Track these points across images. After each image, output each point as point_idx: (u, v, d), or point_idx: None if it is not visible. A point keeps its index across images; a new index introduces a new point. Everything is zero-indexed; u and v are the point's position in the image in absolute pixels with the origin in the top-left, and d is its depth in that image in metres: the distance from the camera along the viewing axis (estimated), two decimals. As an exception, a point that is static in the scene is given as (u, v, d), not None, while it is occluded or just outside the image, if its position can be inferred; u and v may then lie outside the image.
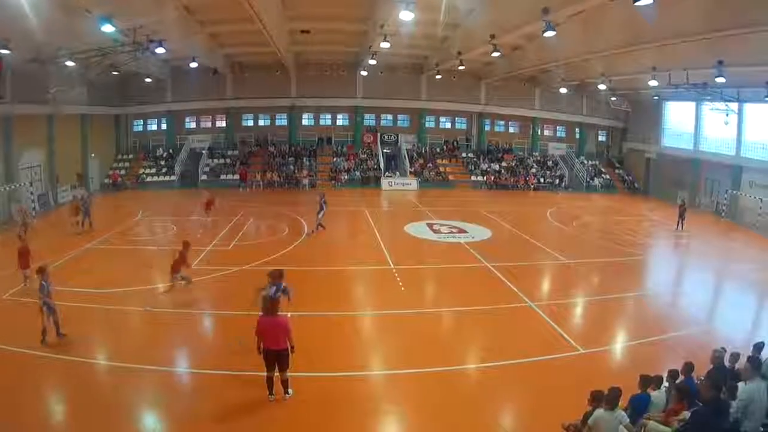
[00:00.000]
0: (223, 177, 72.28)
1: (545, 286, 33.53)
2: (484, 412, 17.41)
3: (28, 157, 52.35)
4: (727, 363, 16.06)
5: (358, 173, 75.83)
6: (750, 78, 50.07)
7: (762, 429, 12.46)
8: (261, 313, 17.51)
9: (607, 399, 13.36)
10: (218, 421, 16.45)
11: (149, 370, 19.40)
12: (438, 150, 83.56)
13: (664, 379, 15.63)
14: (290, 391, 17.72)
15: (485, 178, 78.41)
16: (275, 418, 16.67)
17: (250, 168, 72.77)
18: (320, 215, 42.61)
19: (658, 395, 15.09)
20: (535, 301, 28.09)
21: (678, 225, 51.10)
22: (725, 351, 16.29)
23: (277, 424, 16.48)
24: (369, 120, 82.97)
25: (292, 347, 17.39)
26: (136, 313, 25.30)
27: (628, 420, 13.18)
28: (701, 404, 13.09)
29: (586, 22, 43.11)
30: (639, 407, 14.60)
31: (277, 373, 17.45)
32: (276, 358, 17.31)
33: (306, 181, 70.99)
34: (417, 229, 45.82)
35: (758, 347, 16.56)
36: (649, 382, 15.27)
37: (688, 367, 15.55)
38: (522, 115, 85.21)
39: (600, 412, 13.36)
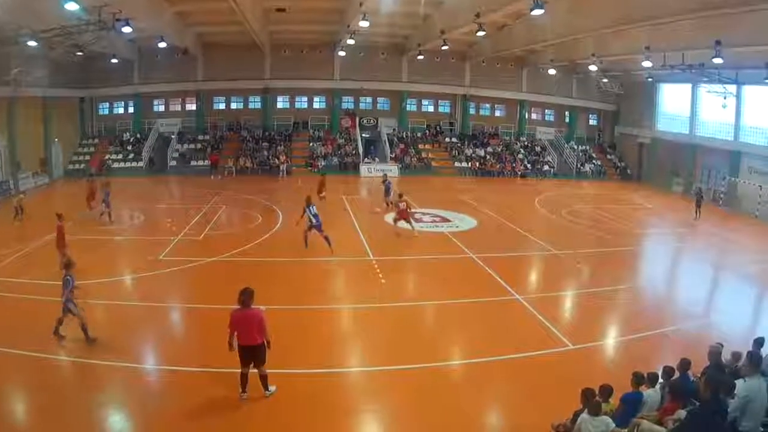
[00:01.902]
0: (193, 163, 72.04)
1: (533, 278, 33.58)
2: (469, 411, 17.34)
3: (-14, 142, 52.06)
4: (725, 359, 16.03)
5: (335, 159, 75.63)
6: (749, 58, 50.01)
7: (762, 429, 12.40)
8: (236, 307, 17.12)
9: (590, 405, 13.37)
10: (188, 419, 16.29)
11: (114, 366, 19.16)
12: (420, 135, 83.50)
13: (659, 376, 15.58)
14: (271, 388, 17.54)
15: (470, 164, 78.44)
16: (249, 418, 16.52)
17: (222, 154, 72.43)
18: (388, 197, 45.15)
19: (652, 394, 15.04)
20: (522, 294, 28.01)
21: (696, 214, 51.64)
22: (722, 346, 16.28)
23: (251, 423, 16.32)
24: (347, 103, 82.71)
25: (268, 342, 17.24)
26: (100, 307, 24.93)
27: (613, 426, 13.16)
28: (698, 403, 13.07)
29: (576, 0, 43.15)
30: (631, 406, 14.54)
31: (253, 370, 17.25)
32: (251, 353, 17.10)
33: (283, 167, 70.66)
34: (398, 218, 45.51)
35: (758, 343, 16.54)
36: (643, 380, 15.22)
37: (684, 364, 15.50)
38: (508, 97, 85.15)
39: (584, 416, 13.35)
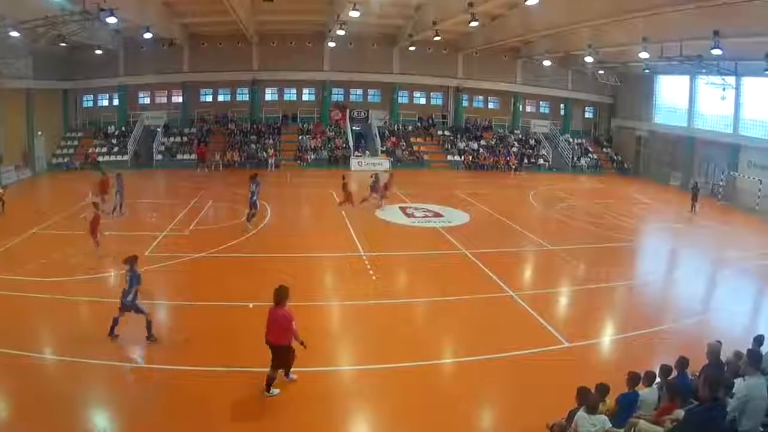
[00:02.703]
0: (179, 156, 71.77)
1: (528, 274, 33.62)
2: (462, 411, 17.30)
3: (-33, 134, 51.86)
4: (726, 358, 15.99)
5: (325, 152, 75.60)
6: (748, 50, 49.84)
7: (762, 429, 12.34)
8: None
9: (588, 402, 13.32)
10: (176, 418, 16.22)
11: (99, 364, 19.09)
12: (411, 127, 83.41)
13: (657, 375, 15.58)
14: (274, 391, 17.52)
15: (463, 157, 78.34)
16: (236, 417, 16.42)
17: (209, 147, 72.07)
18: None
19: (649, 393, 15.07)
20: (517, 291, 28.04)
21: (692, 208, 51.78)
22: (721, 344, 16.23)
23: (237, 423, 16.26)
24: (337, 95, 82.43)
25: (301, 343, 17.62)
26: (84, 304, 25.05)
27: (610, 425, 13.18)
28: (696, 402, 13.03)
29: (572, -11, 43.13)
30: (627, 406, 14.56)
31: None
32: (271, 352, 17.44)
33: (272, 161, 70.57)
34: (389, 213, 45.72)
35: (758, 340, 16.51)
36: (639, 379, 15.20)
37: (682, 363, 15.47)
38: (502, 89, 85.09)
39: (582, 413, 13.30)
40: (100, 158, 68.16)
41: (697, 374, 14.81)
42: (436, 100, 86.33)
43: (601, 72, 77.21)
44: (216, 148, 72.20)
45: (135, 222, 41.26)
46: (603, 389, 14.49)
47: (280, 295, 17.56)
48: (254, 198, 38.52)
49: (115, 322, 21.01)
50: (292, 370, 18.26)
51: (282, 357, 17.49)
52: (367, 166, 71.39)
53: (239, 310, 24.14)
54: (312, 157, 74.06)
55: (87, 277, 28.13)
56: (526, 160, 79.86)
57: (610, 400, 14.64)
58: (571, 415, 13.81)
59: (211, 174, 65.54)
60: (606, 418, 13.26)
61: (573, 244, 38.20)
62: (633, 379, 15.11)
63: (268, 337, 17.41)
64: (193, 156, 70.60)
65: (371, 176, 48.46)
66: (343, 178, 42.88)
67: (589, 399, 13.36)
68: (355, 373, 19.76)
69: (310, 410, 17.01)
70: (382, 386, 18.87)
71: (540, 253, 36.48)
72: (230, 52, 75.71)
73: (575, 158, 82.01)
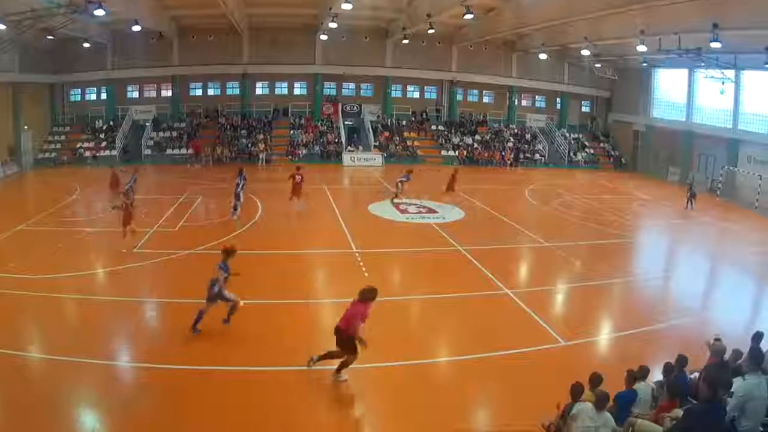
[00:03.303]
0: (169, 151, 71.63)
1: (524, 271, 33.60)
2: (457, 410, 17.33)
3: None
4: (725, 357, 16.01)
5: (317, 147, 75.50)
6: (748, 43, 49.72)
7: (762, 429, 12.30)
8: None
9: (598, 399, 13.42)
10: (163, 419, 16.16)
11: (87, 363, 19.02)
12: (405, 122, 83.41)
13: (651, 370, 15.80)
14: (343, 375, 18.64)
15: (457, 152, 78.41)
16: (223, 417, 16.34)
17: (199, 142, 71.75)
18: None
19: (643, 388, 15.22)
20: (512, 288, 28.06)
21: (688, 204, 52.09)
22: (724, 345, 16.25)
23: (227, 424, 16.17)
24: (329, 89, 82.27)
25: (361, 341, 18.11)
26: (71, 302, 24.97)
27: (614, 425, 13.29)
28: (695, 401, 13.03)
29: (568, -19, 43.10)
30: (625, 405, 14.65)
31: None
32: (337, 339, 18.44)
33: (263, 156, 70.39)
34: (382, 209, 45.68)
35: (757, 338, 16.50)
36: (635, 377, 15.36)
37: (681, 361, 15.51)
38: (497, 83, 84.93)
39: (587, 406, 13.44)
40: (88, 153, 68.25)
41: (698, 373, 14.82)
42: (430, 94, 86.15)
43: (597, 65, 77.05)
44: (205, 143, 71.94)
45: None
46: (596, 379, 14.70)
47: (369, 294, 18.28)
48: (238, 190, 39.68)
49: (200, 315, 21.64)
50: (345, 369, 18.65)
51: (341, 342, 18.34)
52: (359, 161, 71.48)
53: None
54: (303, 152, 73.93)
55: (75, 275, 28.03)
56: (521, 156, 79.87)
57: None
58: (565, 411, 13.93)
59: (207, 169, 65.30)
60: (611, 418, 13.34)
61: (570, 241, 38.22)
62: (631, 377, 15.29)
63: (340, 324, 18.28)
64: (182, 151, 70.71)
65: (405, 171, 48.40)
66: (298, 170, 42.80)
67: (598, 397, 13.45)
68: (347, 371, 19.58)
69: (302, 410, 17.04)
70: (374, 385, 18.94)
71: (536, 250, 36.42)
72: (220, 45, 75.45)
73: (572, 153, 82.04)
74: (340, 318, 18.44)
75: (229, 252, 22.20)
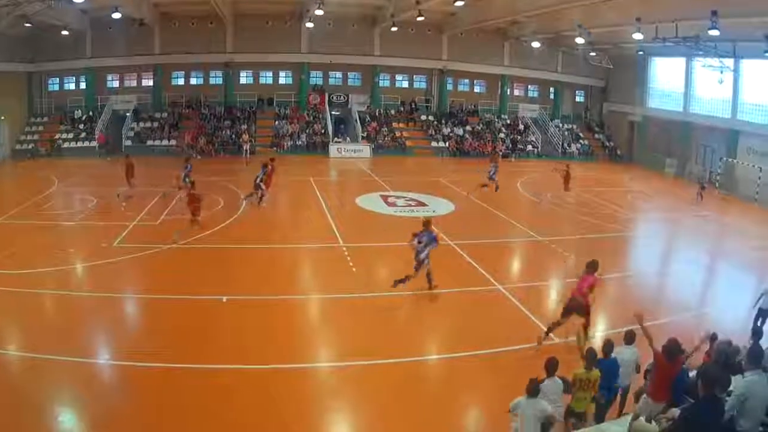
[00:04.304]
0: (149, 143, 71.31)
1: (516, 266, 33.68)
2: (446, 408, 17.41)
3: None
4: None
5: (303, 138, 75.35)
6: (747, 31, 49.52)
7: (761, 429, 12.28)
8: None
9: (527, 388, 13.96)
10: (144, 418, 16.14)
11: (65, 362, 18.98)
12: (394, 112, 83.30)
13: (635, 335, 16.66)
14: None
15: (447, 143, 78.47)
16: (209, 416, 16.33)
17: (180, 133, 72.09)
18: None
19: (626, 351, 16.44)
20: (504, 284, 28.19)
21: (698, 197, 52.52)
22: (717, 336, 16.30)
23: (211, 422, 16.19)
24: (315, 78, 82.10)
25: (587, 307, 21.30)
26: (50, 297, 24.95)
27: (550, 410, 13.90)
28: (693, 400, 13.07)
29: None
30: (608, 371, 15.64)
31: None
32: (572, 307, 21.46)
33: (247, 147, 69.98)
34: (370, 202, 45.80)
35: (757, 334, 16.56)
36: (611, 346, 16.22)
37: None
38: (489, 72, 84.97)
39: (522, 400, 13.92)
40: (67, 145, 68.12)
41: (696, 371, 14.87)
42: (420, 83, 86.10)
43: (592, 54, 77.08)
44: (187, 134, 71.62)
45: (103, 211, 40.98)
46: (552, 364, 15.11)
47: (593, 266, 21.95)
48: (258, 181, 41.71)
49: (408, 278, 25.63)
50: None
51: (583, 311, 21.33)
52: (347, 152, 71.37)
53: (212, 303, 24.10)
54: (289, 143, 73.88)
55: (57, 269, 28.03)
56: (512, 146, 79.78)
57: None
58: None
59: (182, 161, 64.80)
60: (545, 402, 13.95)
61: (563, 235, 38.37)
62: (607, 346, 16.25)
63: (574, 294, 21.46)
64: (165, 143, 70.59)
65: (492, 160, 49.60)
66: (272, 161, 43.12)
67: (529, 386, 13.96)
68: (333, 370, 19.73)
69: (288, 408, 17.04)
70: (362, 383, 18.93)
71: (529, 245, 36.54)
72: (203, 33, 75.07)
73: (565, 144, 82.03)
74: (574, 289, 21.44)
75: (428, 222, 26.60)
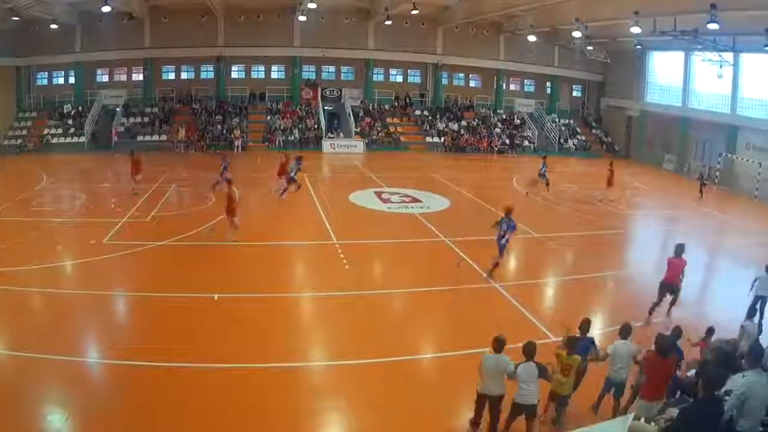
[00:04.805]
0: (140, 138, 70.84)
1: (511, 263, 33.48)
2: (442, 408, 17.33)
3: None
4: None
5: (296, 134, 75.23)
6: (747, 24, 49.47)
7: (762, 429, 12.23)
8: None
9: (493, 344, 15.28)
10: (135, 418, 15.97)
11: (54, 360, 18.82)
12: (388, 107, 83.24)
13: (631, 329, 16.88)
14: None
15: (442, 139, 78.47)
16: (199, 416, 16.22)
17: (172, 128, 71.90)
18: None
19: (622, 346, 16.45)
20: (500, 282, 27.99)
21: (700, 193, 52.65)
22: (726, 343, 16.30)
23: (199, 422, 16.09)
24: (308, 73, 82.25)
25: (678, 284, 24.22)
26: (38, 296, 24.83)
27: (511, 367, 15.05)
28: (691, 400, 13.07)
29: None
30: (583, 350, 16.43)
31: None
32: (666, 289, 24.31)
33: (238, 143, 70.20)
34: (363, 198, 45.70)
35: (710, 332, 16.69)
36: (588, 327, 17.24)
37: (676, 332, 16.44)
38: (484, 66, 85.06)
39: (486, 355, 15.37)
40: (55, 140, 67.96)
41: (695, 371, 14.90)
42: (414, 77, 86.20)
43: (589, 48, 76.65)
44: (179, 129, 71.44)
45: (93, 208, 40.95)
46: (501, 338, 15.58)
47: (681, 248, 24.56)
48: (293, 174, 43.33)
49: (496, 264, 28.22)
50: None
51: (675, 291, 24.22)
52: (340, 148, 71.37)
53: (203, 301, 24.07)
54: (281, 138, 73.51)
55: (41, 267, 27.89)
56: (508, 141, 79.92)
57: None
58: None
59: (175, 156, 65.06)
60: (507, 357, 15.22)
61: (560, 232, 38.31)
62: (585, 325, 17.30)
63: (667, 279, 24.18)
64: (155, 137, 70.34)
65: (542, 159, 50.35)
66: (290, 156, 43.56)
67: (494, 339, 15.39)
68: (327, 369, 19.63)
69: (282, 408, 16.99)
70: (354, 383, 18.81)
71: (525, 242, 36.31)
72: (194, 27, 74.96)
73: (562, 140, 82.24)
74: (667, 273, 24.16)
75: (509, 210, 28.46)
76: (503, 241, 27.85)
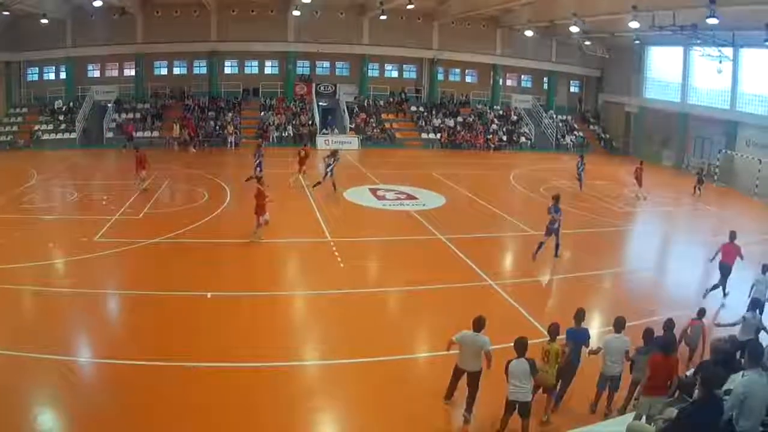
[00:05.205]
0: (132, 134, 70.59)
1: (508, 261, 33.62)
2: (438, 408, 17.25)
3: None
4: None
5: (290, 130, 75.16)
6: (747, 19, 49.44)
7: (762, 429, 12.18)
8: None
9: (473, 322, 16.30)
10: (127, 417, 15.94)
11: (44, 359, 18.78)
12: (383, 103, 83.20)
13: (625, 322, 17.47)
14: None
15: (438, 135, 78.39)
16: (192, 416, 16.18)
17: (164, 124, 71.70)
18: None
19: (615, 340, 17.04)
20: (496, 280, 28.12)
21: (695, 190, 52.51)
22: (725, 341, 16.27)
23: (192, 420, 16.08)
24: (302, 68, 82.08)
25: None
26: (28, 294, 24.77)
27: (489, 346, 16.07)
28: (690, 400, 13.03)
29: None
30: (578, 340, 17.22)
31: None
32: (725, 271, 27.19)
33: (232, 139, 70.17)
34: (358, 195, 45.78)
35: (755, 331, 16.60)
36: (582, 316, 17.78)
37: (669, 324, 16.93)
38: (481, 62, 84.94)
39: (466, 332, 16.38)
40: (46, 136, 67.74)
41: (693, 371, 14.90)
42: (410, 73, 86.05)
43: (587, 43, 77.10)
44: (170, 126, 71.15)
45: (84, 204, 40.96)
46: (481, 319, 16.39)
47: (733, 235, 27.63)
48: (330, 168, 45.41)
49: (540, 245, 30.94)
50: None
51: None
52: (334, 144, 71.02)
53: (196, 299, 24.04)
54: (275, 135, 73.59)
55: (35, 264, 27.85)
56: (505, 137, 79.85)
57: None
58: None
59: (166, 153, 64.57)
60: (488, 339, 16.22)
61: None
62: (579, 315, 18.01)
63: (725, 261, 27.17)
64: (148, 133, 70.19)
65: (579, 158, 51.36)
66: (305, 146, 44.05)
67: (475, 319, 16.33)
68: (321, 368, 19.65)
69: (272, 407, 16.98)
70: (348, 382, 18.83)
71: (521, 239, 36.36)
72: (187, 22, 74.73)
73: (560, 136, 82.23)
74: (724, 257, 27.08)
75: (557, 197, 31.53)
76: (555, 225, 30.97)
